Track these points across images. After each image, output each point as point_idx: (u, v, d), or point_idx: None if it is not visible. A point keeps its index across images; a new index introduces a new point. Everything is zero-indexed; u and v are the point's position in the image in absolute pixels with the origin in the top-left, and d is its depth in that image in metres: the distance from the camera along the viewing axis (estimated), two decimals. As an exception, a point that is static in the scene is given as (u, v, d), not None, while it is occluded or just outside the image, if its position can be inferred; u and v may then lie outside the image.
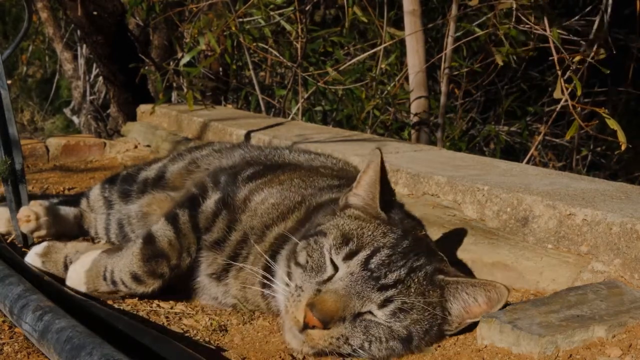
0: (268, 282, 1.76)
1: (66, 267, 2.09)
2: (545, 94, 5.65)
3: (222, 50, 4.42)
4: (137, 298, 2.00)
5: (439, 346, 1.68)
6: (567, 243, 1.92)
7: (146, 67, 4.69)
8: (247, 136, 3.37)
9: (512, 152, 5.68)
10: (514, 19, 3.70)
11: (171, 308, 1.99)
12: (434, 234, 2.18)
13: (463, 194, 2.22)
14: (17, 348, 1.64)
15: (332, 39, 5.02)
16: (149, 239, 1.98)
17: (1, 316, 1.80)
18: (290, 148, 2.71)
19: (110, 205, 2.62)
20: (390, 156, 2.68)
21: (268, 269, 1.79)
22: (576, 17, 4.82)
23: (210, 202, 2.04)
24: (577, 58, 3.29)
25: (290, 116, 4.39)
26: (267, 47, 4.71)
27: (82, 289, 1.98)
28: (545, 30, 3.39)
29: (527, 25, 3.55)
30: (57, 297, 1.78)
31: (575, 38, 3.99)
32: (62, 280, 2.03)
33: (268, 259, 1.80)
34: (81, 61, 6.04)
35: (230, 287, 1.97)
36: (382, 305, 1.59)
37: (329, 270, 1.64)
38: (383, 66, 4.61)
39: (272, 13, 4.38)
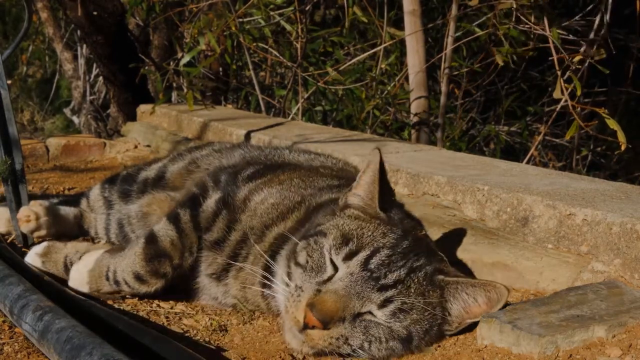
0: (268, 282, 1.76)
1: (66, 267, 2.09)
2: (545, 94, 5.65)
3: (222, 50, 4.41)
4: (138, 298, 2.00)
5: (439, 346, 1.68)
6: (567, 243, 1.92)
7: (146, 67, 4.69)
8: (247, 136, 3.36)
9: (512, 152, 5.68)
10: (514, 19, 3.70)
11: (171, 308, 1.99)
12: (434, 234, 2.18)
13: (463, 194, 2.22)
14: (17, 348, 1.64)
15: (332, 39, 5.02)
16: (151, 239, 1.98)
17: (1, 316, 1.80)
18: (290, 148, 2.71)
19: (110, 205, 2.62)
20: (390, 156, 2.67)
21: (268, 269, 1.79)
22: (576, 17, 4.82)
23: (210, 202, 2.04)
24: (577, 58, 3.28)
25: (290, 116, 4.39)
26: (267, 47, 4.71)
27: (85, 289, 1.99)
28: (545, 30, 3.39)
29: (527, 25, 3.55)
30: (57, 297, 1.78)
31: (575, 38, 3.99)
32: (62, 280, 2.03)
33: (268, 259, 1.80)
34: (81, 61, 6.04)
35: (230, 287, 1.97)
36: (382, 305, 1.59)
37: (329, 270, 1.64)
38: (383, 66, 4.61)
39: (272, 13, 4.38)
